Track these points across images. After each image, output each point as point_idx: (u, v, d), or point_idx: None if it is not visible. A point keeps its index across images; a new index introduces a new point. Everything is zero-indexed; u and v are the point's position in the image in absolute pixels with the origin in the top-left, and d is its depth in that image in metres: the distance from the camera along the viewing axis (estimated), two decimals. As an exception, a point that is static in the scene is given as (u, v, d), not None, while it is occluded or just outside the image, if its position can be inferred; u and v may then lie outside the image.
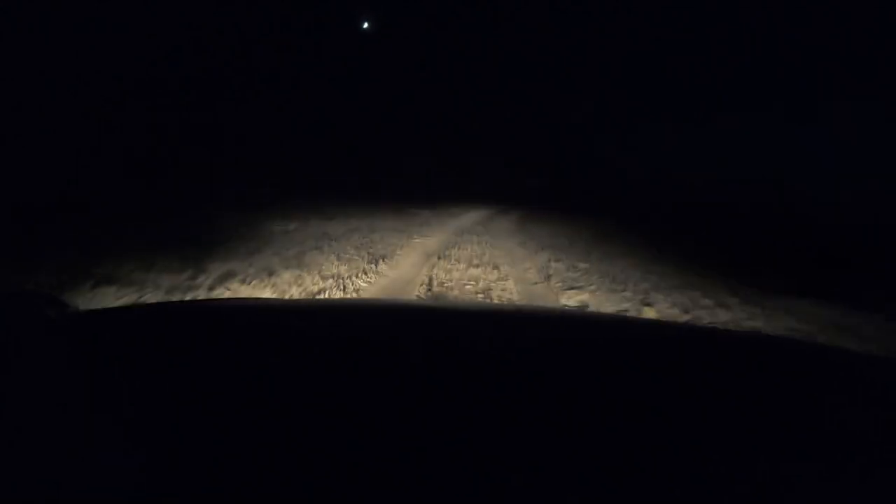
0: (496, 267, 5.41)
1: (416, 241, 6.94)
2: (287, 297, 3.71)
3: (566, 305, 4.18)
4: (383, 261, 5.18)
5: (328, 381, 0.57)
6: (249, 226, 6.58)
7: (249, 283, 3.90)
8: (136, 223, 5.67)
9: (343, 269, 4.66)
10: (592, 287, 4.87)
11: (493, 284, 4.57)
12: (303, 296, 3.78)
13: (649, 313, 4.14)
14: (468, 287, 4.42)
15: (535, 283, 4.87)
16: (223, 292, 3.64)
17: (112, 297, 3.26)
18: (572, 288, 4.78)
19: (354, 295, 3.90)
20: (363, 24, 17.19)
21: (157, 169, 9.66)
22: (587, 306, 4.21)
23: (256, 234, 6.02)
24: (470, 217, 11.61)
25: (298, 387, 0.56)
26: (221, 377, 0.56)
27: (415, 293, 4.07)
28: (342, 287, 4.05)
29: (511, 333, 0.90)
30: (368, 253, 5.53)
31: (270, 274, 4.18)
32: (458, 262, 5.49)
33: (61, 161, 8.14)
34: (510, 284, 4.66)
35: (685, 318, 4.10)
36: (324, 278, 4.25)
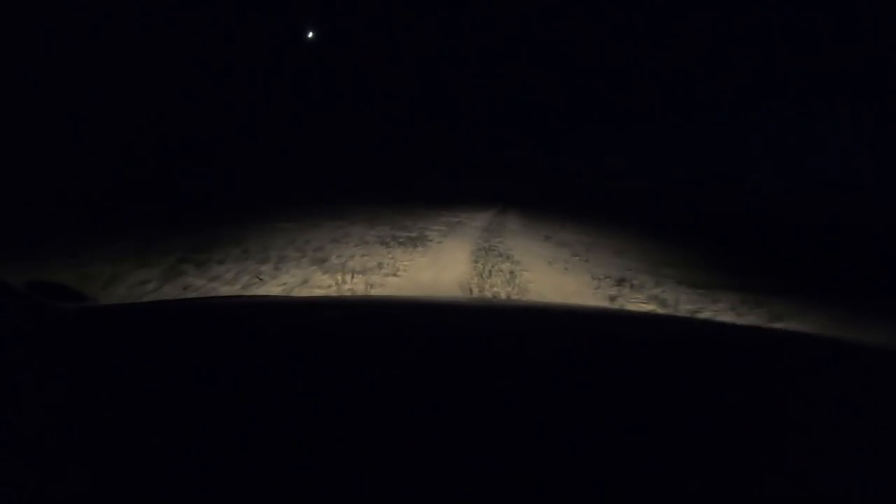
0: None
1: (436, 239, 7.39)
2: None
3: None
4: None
5: (325, 379, 0.57)
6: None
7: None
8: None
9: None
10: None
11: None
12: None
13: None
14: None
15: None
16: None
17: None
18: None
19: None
20: (307, 34, 17.31)
21: (158, 170, 9.61)
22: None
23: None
24: (482, 218, 11.78)
25: (301, 385, 0.55)
26: (222, 376, 0.56)
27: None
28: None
29: (513, 329, 0.88)
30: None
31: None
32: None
33: (60, 161, 8.08)
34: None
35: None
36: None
